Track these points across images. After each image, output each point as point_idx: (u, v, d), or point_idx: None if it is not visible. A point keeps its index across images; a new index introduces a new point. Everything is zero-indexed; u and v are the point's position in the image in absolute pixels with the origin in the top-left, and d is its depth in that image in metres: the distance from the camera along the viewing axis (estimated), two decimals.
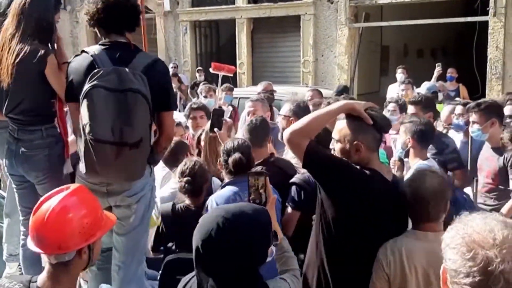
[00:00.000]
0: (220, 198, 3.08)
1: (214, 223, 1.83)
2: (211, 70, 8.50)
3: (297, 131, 2.50)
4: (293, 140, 2.52)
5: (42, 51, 3.09)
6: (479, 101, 4.28)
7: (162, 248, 3.35)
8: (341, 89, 8.23)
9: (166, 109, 2.91)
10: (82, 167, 2.78)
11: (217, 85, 7.93)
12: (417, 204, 2.40)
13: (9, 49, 3.09)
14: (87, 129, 2.64)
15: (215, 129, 3.75)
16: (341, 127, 2.52)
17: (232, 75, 8.10)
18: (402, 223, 2.55)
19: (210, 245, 1.82)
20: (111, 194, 2.90)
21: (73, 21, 16.56)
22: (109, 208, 2.89)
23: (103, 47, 2.84)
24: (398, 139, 3.97)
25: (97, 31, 2.91)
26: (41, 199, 2.05)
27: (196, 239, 1.85)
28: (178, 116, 5.95)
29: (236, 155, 3.15)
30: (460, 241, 1.32)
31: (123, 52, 2.83)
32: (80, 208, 2.02)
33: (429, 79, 9.29)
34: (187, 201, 3.30)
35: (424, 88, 7.78)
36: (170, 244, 3.27)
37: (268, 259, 1.98)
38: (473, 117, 4.10)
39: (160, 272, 3.19)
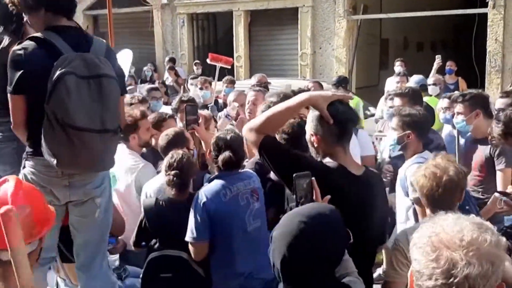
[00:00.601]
0: (210, 191, 3.03)
1: (296, 230, 1.80)
2: (208, 61, 8.44)
3: (253, 128, 2.41)
4: (249, 137, 2.45)
5: (6, 42, 3.03)
6: (464, 92, 4.24)
7: (144, 243, 3.26)
8: (340, 79, 8.15)
9: (123, 93, 2.93)
10: (49, 158, 2.63)
11: (214, 78, 7.88)
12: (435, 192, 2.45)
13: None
14: (65, 118, 2.54)
15: (192, 125, 3.66)
16: (308, 117, 2.48)
17: (229, 67, 8.03)
18: (375, 218, 2.40)
19: (296, 252, 1.79)
20: (73, 187, 2.79)
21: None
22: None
23: (55, 33, 2.68)
24: (389, 131, 3.80)
25: (32, 15, 2.75)
26: None
27: (281, 250, 1.80)
28: (165, 109, 5.87)
29: (227, 153, 3.07)
30: (426, 240, 1.21)
31: (79, 38, 2.75)
32: (26, 202, 1.90)
33: (429, 73, 9.18)
34: (171, 195, 3.19)
35: (412, 82, 7.71)
36: (153, 242, 3.17)
37: None
38: (457, 108, 4.05)
39: (143, 269, 3.10)
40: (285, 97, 4.14)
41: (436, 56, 9.24)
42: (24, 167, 2.79)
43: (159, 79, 12.47)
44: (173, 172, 3.14)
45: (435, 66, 9.08)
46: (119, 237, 3.52)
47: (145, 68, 12.50)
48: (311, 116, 2.43)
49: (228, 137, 3.16)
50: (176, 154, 3.23)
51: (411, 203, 3.31)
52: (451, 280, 1.13)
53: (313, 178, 2.22)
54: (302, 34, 12.67)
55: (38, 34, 2.69)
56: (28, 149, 2.78)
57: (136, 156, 3.97)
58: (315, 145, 2.42)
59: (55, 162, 2.62)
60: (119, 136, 2.77)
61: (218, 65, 7.98)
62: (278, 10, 13.11)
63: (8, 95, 2.70)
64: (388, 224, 2.80)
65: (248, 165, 3.49)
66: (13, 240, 1.88)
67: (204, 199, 2.99)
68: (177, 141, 3.61)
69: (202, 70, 12.02)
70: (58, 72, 2.53)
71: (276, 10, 13.12)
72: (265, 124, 2.40)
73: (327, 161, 2.40)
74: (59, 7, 2.73)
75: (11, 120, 2.75)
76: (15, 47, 2.68)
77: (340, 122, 2.35)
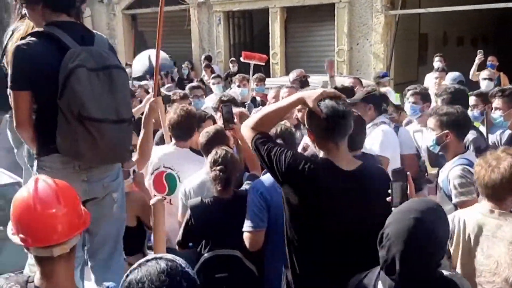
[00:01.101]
0: (265, 183, 3.09)
1: (412, 226, 1.90)
2: (242, 59, 8.49)
3: (249, 125, 2.58)
4: (245, 133, 2.62)
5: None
6: (504, 87, 4.10)
7: (191, 244, 3.26)
8: (381, 75, 8.10)
9: None
10: (66, 154, 2.63)
11: (245, 75, 7.93)
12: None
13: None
14: (81, 111, 2.54)
15: (230, 125, 3.69)
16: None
17: (263, 63, 8.04)
18: (373, 214, 2.36)
19: (414, 247, 1.90)
20: (91, 182, 2.77)
21: (110, 13, 16.76)
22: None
23: (59, 28, 2.66)
24: (426, 131, 3.66)
25: (30, 9, 2.71)
26: (18, 194, 1.93)
27: (398, 246, 1.90)
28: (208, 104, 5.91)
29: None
30: None
31: (82, 32, 2.75)
32: (61, 196, 1.92)
33: (469, 68, 9.01)
34: (216, 192, 3.21)
35: (449, 79, 7.57)
36: (203, 243, 3.17)
37: None
38: (495, 103, 3.91)
39: (195, 270, 3.13)
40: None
41: (478, 51, 9.02)
42: (37, 167, 2.74)
43: (196, 77, 12.60)
44: (218, 167, 3.17)
45: (477, 61, 8.88)
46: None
47: (182, 66, 12.63)
48: (306, 113, 2.55)
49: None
50: (220, 150, 3.26)
51: (453, 206, 3.18)
52: None
53: (408, 173, 2.43)
54: (339, 30, 12.56)
55: (43, 29, 2.67)
56: (38, 147, 2.73)
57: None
58: (312, 140, 2.56)
59: (73, 155, 2.63)
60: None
61: (252, 62, 7.99)
62: (314, 6, 13.03)
63: (11, 92, 2.65)
64: None
65: None
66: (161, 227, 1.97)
67: (261, 190, 3.05)
68: (217, 138, 3.63)
69: (238, 68, 12.08)
70: (69, 66, 2.53)
71: (312, 6, 13.05)
72: (258, 122, 2.57)
73: (321, 156, 2.49)
74: (57, 3, 2.70)
75: (14, 119, 2.68)
76: (19, 42, 2.65)
77: (327, 117, 2.41)
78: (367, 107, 4.22)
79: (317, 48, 13.54)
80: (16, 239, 1.90)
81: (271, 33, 13.73)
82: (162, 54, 5.77)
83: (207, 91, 10.11)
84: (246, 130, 2.61)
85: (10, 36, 3.45)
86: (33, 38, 2.62)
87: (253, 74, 7.76)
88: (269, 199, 3.01)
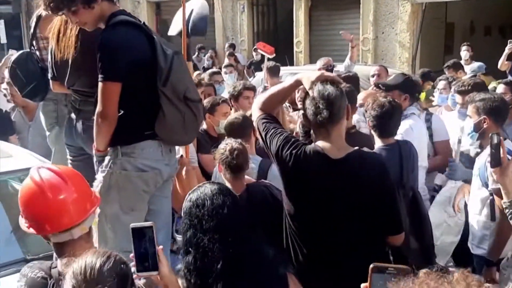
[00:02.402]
0: None
1: None
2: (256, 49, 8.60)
3: (256, 106, 2.66)
4: (253, 112, 2.69)
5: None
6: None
7: None
8: (425, 73, 7.91)
9: None
10: (153, 142, 2.78)
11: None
12: None
13: None
14: (187, 93, 2.75)
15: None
16: None
17: (270, 55, 8.02)
18: (367, 203, 2.37)
19: None
20: (170, 164, 2.95)
21: (134, 1, 16.85)
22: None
23: (127, 15, 2.76)
24: (467, 120, 3.56)
25: (91, 8, 2.72)
26: (26, 180, 1.97)
27: None
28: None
29: None
30: None
31: (140, 20, 2.85)
32: (72, 185, 1.96)
33: (496, 58, 8.84)
34: (227, 181, 3.13)
35: (469, 70, 7.42)
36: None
37: None
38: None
39: None
40: (347, 77, 4.22)
41: (509, 41, 8.82)
42: (120, 155, 2.75)
43: (219, 65, 12.61)
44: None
45: (507, 51, 8.67)
46: None
47: (206, 56, 12.64)
48: (303, 95, 2.53)
49: None
50: (226, 143, 3.24)
51: (488, 194, 3.15)
52: None
53: (501, 138, 2.60)
54: (364, 18, 12.42)
55: (122, 17, 2.69)
56: (129, 135, 2.74)
57: None
58: (305, 123, 2.63)
59: (174, 139, 2.85)
60: None
61: (265, 54, 7.99)
62: None
63: (102, 84, 2.63)
64: (402, 211, 2.68)
65: None
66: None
67: None
68: (246, 124, 3.63)
69: (261, 56, 12.04)
70: (168, 54, 2.67)
71: None
72: (264, 103, 2.62)
73: (313, 143, 2.46)
74: None
75: (100, 111, 2.66)
76: (108, 32, 2.65)
77: (316, 101, 2.35)
78: (402, 96, 4.07)
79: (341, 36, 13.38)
80: (32, 230, 1.93)
81: (295, 21, 13.66)
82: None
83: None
84: (254, 109, 2.69)
85: (37, 22, 3.49)
86: (119, 27, 2.64)
87: (265, 64, 7.76)
88: None
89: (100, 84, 2.64)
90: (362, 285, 1.22)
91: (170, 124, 2.73)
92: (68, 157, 3.39)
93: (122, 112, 2.70)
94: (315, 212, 2.40)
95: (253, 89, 5.09)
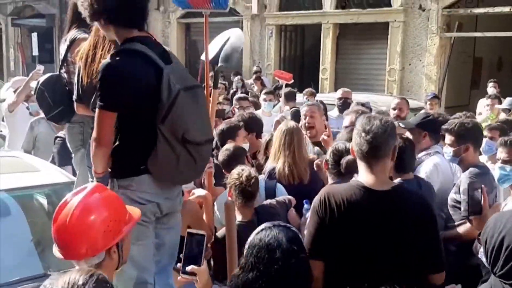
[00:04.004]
0: None
1: None
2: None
3: None
4: None
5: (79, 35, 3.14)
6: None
7: None
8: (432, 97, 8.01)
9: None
10: (149, 178, 2.65)
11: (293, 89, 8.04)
12: None
13: (103, 47, 3.10)
14: (185, 135, 2.57)
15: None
16: None
17: (289, 82, 8.08)
18: (410, 238, 2.34)
19: None
20: (171, 198, 2.83)
21: (165, 21, 17.15)
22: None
23: (142, 44, 2.59)
24: (497, 164, 3.49)
25: (105, 31, 2.68)
26: (60, 204, 1.96)
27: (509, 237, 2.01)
28: None
29: (350, 157, 3.10)
30: None
31: (159, 48, 2.70)
32: (101, 207, 1.95)
33: None
34: (239, 217, 3.18)
35: (506, 104, 7.35)
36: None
37: None
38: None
39: None
40: (363, 113, 4.18)
41: None
42: (117, 187, 2.66)
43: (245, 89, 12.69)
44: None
45: None
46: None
47: (235, 80, 12.72)
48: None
49: (348, 144, 3.23)
50: (242, 169, 3.26)
51: None
52: None
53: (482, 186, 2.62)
54: (392, 49, 12.44)
55: (132, 47, 2.59)
56: (124, 168, 2.68)
57: None
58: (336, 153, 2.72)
59: (168, 178, 2.69)
60: None
61: (283, 81, 8.09)
62: (368, 24, 12.96)
63: (98, 110, 2.58)
64: (441, 249, 2.61)
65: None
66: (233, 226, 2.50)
67: None
68: (238, 155, 3.72)
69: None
70: (173, 90, 2.51)
71: (365, 24, 12.98)
72: None
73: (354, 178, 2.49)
74: (127, 20, 2.63)
75: (95, 137, 2.61)
76: (110, 60, 2.55)
77: (360, 134, 2.39)
78: (422, 133, 4.04)
79: (368, 66, 13.44)
80: (60, 255, 1.95)
81: (322, 49, 13.73)
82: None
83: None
84: None
85: (69, 46, 3.53)
86: (126, 56, 2.55)
87: (304, 89, 7.87)
88: None
89: (96, 111, 2.61)
90: None
91: (161, 163, 2.59)
92: (90, 179, 3.44)
93: (118, 143, 2.66)
94: (357, 245, 2.35)
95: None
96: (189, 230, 2.03)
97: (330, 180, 3.29)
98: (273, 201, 3.43)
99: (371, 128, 2.36)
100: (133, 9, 2.62)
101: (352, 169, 3.10)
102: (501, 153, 3.27)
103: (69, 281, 1.58)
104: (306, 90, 8.43)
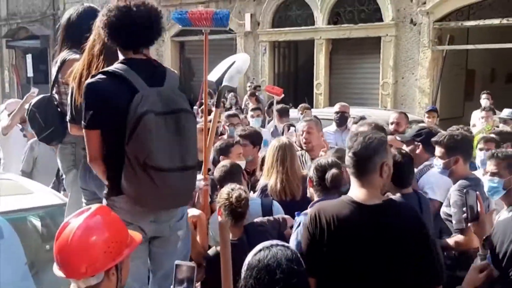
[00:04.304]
0: None
1: None
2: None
3: None
4: None
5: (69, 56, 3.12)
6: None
7: None
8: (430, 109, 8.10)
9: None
10: (127, 199, 2.64)
11: (287, 105, 8.07)
12: None
13: (97, 65, 3.07)
14: (147, 160, 2.52)
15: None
16: None
17: (280, 97, 8.16)
18: (405, 251, 2.34)
19: None
20: (158, 222, 2.77)
21: (159, 39, 17.21)
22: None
23: (128, 66, 2.64)
24: (485, 177, 3.48)
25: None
26: (63, 223, 1.98)
27: None
28: None
29: (334, 170, 3.13)
30: None
31: (152, 71, 2.71)
32: (103, 227, 1.96)
33: None
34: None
35: (506, 113, 7.42)
36: None
37: None
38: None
39: None
40: (376, 127, 4.20)
41: None
42: (107, 205, 2.64)
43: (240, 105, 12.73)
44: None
45: None
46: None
47: (229, 96, 12.78)
48: None
49: (330, 160, 3.26)
50: (232, 189, 3.23)
51: None
52: None
53: (477, 192, 2.78)
54: (384, 63, 12.53)
55: (112, 68, 2.66)
56: (108, 188, 2.73)
57: None
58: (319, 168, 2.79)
59: (134, 201, 2.63)
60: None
61: (275, 96, 8.14)
62: (360, 39, 13.06)
63: (84, 129, 2.67)
64: (441, 262, 2.65)
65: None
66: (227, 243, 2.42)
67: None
68: (234, 171, 3.69)
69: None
70: (137, 112, 2.51)
71: (358, 39, 13.09)
72: None
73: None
74: (121, 43, 2.70)
75: (87, 154, 2.72)
76: (89, 80, 2.64)
77: (352, 152, 2.42)
78: (418, 146, 4.13)
79: (361, 80, 13.52)
80: (62, 274, 1.94)
81: (315, 64, 13.83)
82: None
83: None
84: None
85: (60, 67, 3.54)
86: (103, 76, 2.61)
87: (299, 103, 7.92)
88: None
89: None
90: None
91: (125, 187, 2.60)
92: (83, 200, 3.42)
93: (105, 162, 2.70)
94: (349, 262, 2.35)
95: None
96: (177, 262, 2.00)
97: (315, 198, 3.22)
98: (264, 219, 3.41)
99: (353, 144, 2.42)
100: (126, 32, 2.66)
101: (337, 183, 3.13)
102: (490, 166, 3.27)
103: None
104: (301, 105, 8.47)
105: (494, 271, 2.48)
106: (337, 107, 7.06)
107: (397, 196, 3.32)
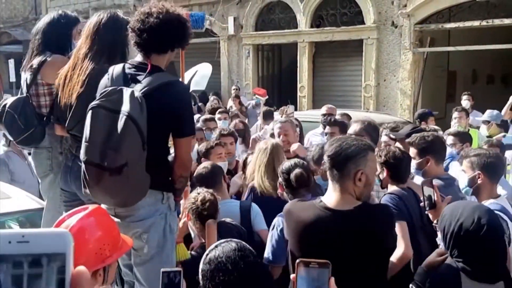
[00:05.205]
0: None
1: (477, 223, 2.38)
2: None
3: None
4: None
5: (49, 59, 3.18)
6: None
7: None
8: (424, 114, 8.17)
9: (178, 135, 2.85)
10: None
11: (271, 108, 8.13)
12: None
13: (81, 67, 3.14)
14: (82, 149, 2.66)
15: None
16: None
17: (264, 99, 8.21)
18: (360, 254, 2.36)
19: (471, 234, 2.37)
20: (118, 217, 2.79)
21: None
22: None
23: (126, 66, 2.86)
24: (460, 175, 3.58)
25: None
26: (58, 219, 2.02)
27: (465, 227, 2.38)
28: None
29: (298, 170, 3.25)
30: None
31: (137, 72, 2.81)
32: (97, 229, 2.00)
33: (500, 106, 8.88)
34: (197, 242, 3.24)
35: (486, 117, 7.51)
36: None
37: None
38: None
39: None
40: (369, 125, 4.32)
41: None
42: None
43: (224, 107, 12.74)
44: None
45: (511, 101, 8.71)
46: None
47: (211, 99, 12.79)
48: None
49: (293, 162, 3.37)
50: (198, 193, 3.28)
51: None
52: None
53: (434, 183, 2.95)
54: (366, 65, 12.63)
55: (114, 66, 2.90)
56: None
57: None
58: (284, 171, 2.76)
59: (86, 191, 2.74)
60: (133, 175, 2.64)
61: (260, 98, 8.22)
62: (343, 42, 13.15)
63: (189, 138, 2.95)
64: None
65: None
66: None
67: (282, 225, 3.04)
68: (214, 174, 3.74)
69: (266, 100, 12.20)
70: (91, 105, 2.69)
71: (340, 42, 13.18)
72: None
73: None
74: (137, 46, 2.87)
75: (186, 161, 2.95)
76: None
77: (328, 156, 2.44)
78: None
79: (344, 82, 13.61)
80: None
81: (299, 67, 13.90)
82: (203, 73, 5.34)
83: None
84: None
85: (39, 69, 3.48)
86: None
87: (282, 105, 8.01)
88: None
89: None
90: (291, 275, 1.43)
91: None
92: (62, 202, 3.41)
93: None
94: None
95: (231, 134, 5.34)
96: (163, 269, 1.99)
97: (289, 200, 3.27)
98: (233, 221, 3.43)
99: (329, 148, 2.45)
100: (138, 40, 2.86)
101: (302, 182, 3.24)
102: (463, 166, 3.40)
103: None
104: (281, 108, 8.48)
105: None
106: (324, 109, 7.08)
107: (393, 191, 3.39)
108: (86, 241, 1.95)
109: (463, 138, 5.38)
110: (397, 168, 3.46)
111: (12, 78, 15.32)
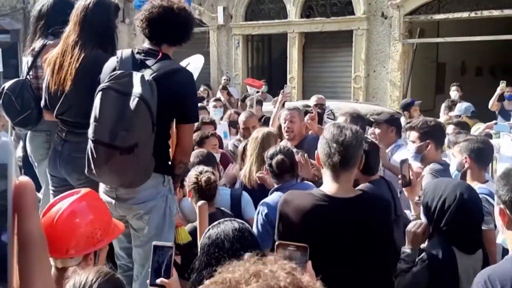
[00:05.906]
0: (271, 203, 3.16)
1: (460, 198, 2.58)
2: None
3: None
4: None
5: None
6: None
7: None
8: (407, 104, 8.26)
9: (182, 121, 2.92)
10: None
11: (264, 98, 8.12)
12: None
13: (72, 55, 3.14)
14: (91, 129, 2.68)
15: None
16: None
17: (260, 90, 8.19)
18: (362, 242, 2.36)
19: (454, 208, 2.56)
20: (119, 200, 2.86)
21: (131, 33, 17.06)
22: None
23: (134, 51, 2.91)
24: (452, 160, 3.73)
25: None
26: (51, 202, 2.04)
27: (449, 202, 2.57)
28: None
29: (279, 156, 3.32)
30: None
31: (146, 57, 2.88)
32: (88, 213, 2.01)
33: (488, 98, 8.96)
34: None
35: (457, 110, 7.59)
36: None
37: None
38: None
39: None
40: (358, 116, 4.39)
41: (501, 82, 8.96)
42: None
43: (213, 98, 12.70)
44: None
45: (498, 91, 8.79)
46: None
47: (200, 89, 12.75)
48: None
49: (278, 147, 3.46)
50: (199, 172, 3.33)
51: None
52: None
53: (409, 163, 3.14)
54: (356, 56, 12.63)
55: (121, 50, 2.96)
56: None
57: None
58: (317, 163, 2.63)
59: (87, 169, 2.77)
60: (141, 156, 2.70)
61: (254, 89, 8.20)
62: (333, 33, 13.14)
63: (191, 125, 3.04)
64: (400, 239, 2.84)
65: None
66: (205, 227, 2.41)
67: (266, 211, 3.10)
68: (208, 161, 3.80)
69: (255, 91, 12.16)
70: (101, 86, 2.72)
71: (330, 32, 13.16)
72: None
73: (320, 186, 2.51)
74: (147, 35, 2.97)
75: (187, 146, 3.03)
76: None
77: (328, 144, 2.37)
78: (389, 129, 4.49)
79: (334, 73, 13.62)
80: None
81: (289, 58, 13.86)
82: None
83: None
84: None
85: (39, 52, 3.51)
86: (112, 57, 3.00)
87: (254, 99, 8.09)
88: (274, 220, 3.02)
89: None
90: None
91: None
92: (50, 187, 3.39)
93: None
94: (321, 252, 2.37)
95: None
96: (155, 243, 2.01)
97: (275, 185, 3.42)
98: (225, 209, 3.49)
99: (345, 139, 2.34)
100: (151, 30, 2.99)
101: (283, 168, 3.33)
102: (454, 151, 3.56)
103: (86, 279, 1.65)
104: (274, 99, 8.50)
105: (428, 227, 2.73)
106: (314, 100, 7.07)
107: (367, 185, 3.37)
108: (77, 225, 1.95)
109: (463, 127, 5.63)
110: (366, 160, 3.45)
111: (0, 68, 15.11)
